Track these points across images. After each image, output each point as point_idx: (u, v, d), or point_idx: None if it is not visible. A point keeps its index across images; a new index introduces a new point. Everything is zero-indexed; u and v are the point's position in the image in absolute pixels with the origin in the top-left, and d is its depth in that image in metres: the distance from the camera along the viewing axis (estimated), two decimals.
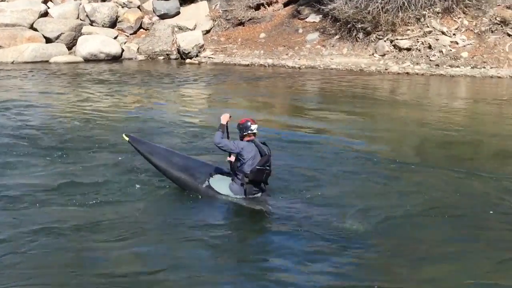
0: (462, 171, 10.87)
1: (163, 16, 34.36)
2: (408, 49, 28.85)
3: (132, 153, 10.64)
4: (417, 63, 28.03)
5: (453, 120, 16.82)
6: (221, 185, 9.03)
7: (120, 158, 11.27)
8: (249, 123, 8.70)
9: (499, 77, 25.83)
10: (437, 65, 27.53)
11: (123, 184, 9.76)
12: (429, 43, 28.54)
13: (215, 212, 8.99)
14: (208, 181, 9.09)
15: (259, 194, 8.87)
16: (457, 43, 28.45)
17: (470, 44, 28.44)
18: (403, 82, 25.42)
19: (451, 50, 28.16)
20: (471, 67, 27.07)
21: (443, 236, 7.91)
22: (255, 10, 34.67)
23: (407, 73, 27.11)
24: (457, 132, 14.95)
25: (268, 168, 8.63)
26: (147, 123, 15.42)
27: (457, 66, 27.27)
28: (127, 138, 9.67)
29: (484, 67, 26.95)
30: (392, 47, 29.51)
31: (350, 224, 8.04)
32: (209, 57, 31.81)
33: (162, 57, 32.12)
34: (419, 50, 28.65)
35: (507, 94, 22.79)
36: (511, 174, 10.80)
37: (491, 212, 8.74)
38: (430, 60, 27.94)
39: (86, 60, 30.18)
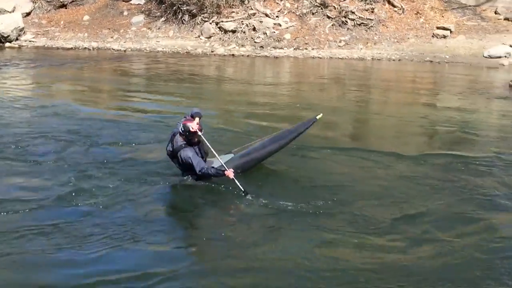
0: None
1: None
2: (233, 31, 28.81)
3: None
4: (243, 45, 28.05)
5: (279, 99, 16.97)
6: None
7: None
8: (182, 124, 8.45)
9: (320, 58, 26.43)
10: (262, 46, 27.70)
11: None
12: (253, 25, 28.65)
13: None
14: None
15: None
16: (280, 25, 28.77)
17: (293, 26, 28.88)
18: (229, 64, 25.37)
19: (274, 32, 28.43)
20: (294, 49, 27.48)
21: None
22: None
23: (233, 55, 27.04)
24: (285, 110, 15.01)
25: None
26: None
27: (281, 48, 27.58)
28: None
29: (306, 48, 27.45)
30: (218, 29, 29.35)
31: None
32: (30, 41, 29.99)
33: None
34: (244, 32, 28.67)
35: (327, 74, 23.35)
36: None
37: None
38: (255, 42, 28.06)
39: None
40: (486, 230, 7.23)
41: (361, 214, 7.70)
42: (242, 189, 8.15)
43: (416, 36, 28.81)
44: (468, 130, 12.87)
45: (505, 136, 12.43)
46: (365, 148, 11.04)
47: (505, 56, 25.53)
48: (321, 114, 9.16)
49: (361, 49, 27.46)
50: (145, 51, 28.24)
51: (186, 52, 27.72)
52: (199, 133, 8.28)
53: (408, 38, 28.64)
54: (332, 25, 28.81)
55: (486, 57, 25.84)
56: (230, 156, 8.86)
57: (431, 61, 25.60)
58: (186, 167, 8.43)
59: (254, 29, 28.57)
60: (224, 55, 27.10)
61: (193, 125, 8.21)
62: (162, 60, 25.57)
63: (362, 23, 28.78)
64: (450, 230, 7.22)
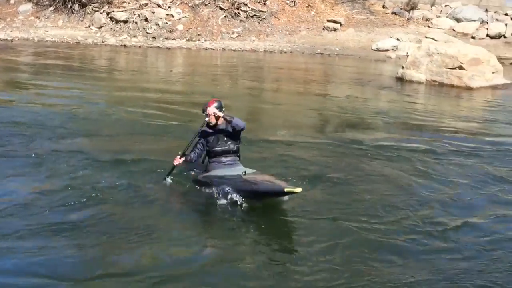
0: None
1: None
2: (125, 22, 28.08)
3: None
4: (134, 36, 27.36)
5: (172, 89, 16.50)
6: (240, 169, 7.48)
7: None
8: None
9: (213, 49, 26.11)
10: (154, 37, 27.10)
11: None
12: (145, 16, 27.99)
13: None
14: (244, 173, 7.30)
15: None
16: (172, 16, 28.26)
17: (185, 17, 28.42)
18: (121, 54, 24.61)
19: (167, 23, 27.88)
20: (187, 40, 27.04)
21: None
22: None
23: (125, 45, 26.32)
24: (178, 100, 14.56)
25: None
26: None
27: (173, 39, 27.08)
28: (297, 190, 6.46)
29: (199, 40, 27.06)
30: (109, 19, 28.53)
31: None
32: None
33: None
34: (136, 23, 27.97)
35: (221, 65, 23.05)
36: None
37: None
38: (147, 33, 27.42)
39: None
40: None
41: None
42: (166, 175, 7.75)
43: (308, 28, 28.97)
44: (358, 118, 12.94)
45: (393, 123, 12.53)
46: (259, 135, 10.83)
47: (392, 49, 26.05)
48: (299, 190, 6.47)
49: (254, 41, 27.33)
50: (33, 40, 27.10)
51: (76, 42, 26.73)
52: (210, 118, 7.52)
53: (300, 30, 28.75)
54: (225, 16, 28.54)
55: (374, 50, 26.28)
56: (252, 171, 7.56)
57: (322, 54, 25.79)
58: None
59: (146, 19, 27.92)
60: (116, 45, 26.34)
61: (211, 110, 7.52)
62: (52, 50, 24.47)
63: (255, 15, 28.66)
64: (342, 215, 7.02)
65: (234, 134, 7.60)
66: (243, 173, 7.26)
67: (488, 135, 11.54)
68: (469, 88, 17.53)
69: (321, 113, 13.87)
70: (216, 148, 7.56)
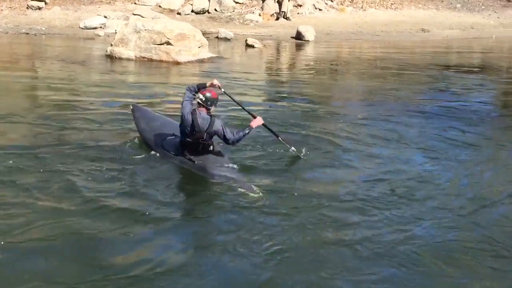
0: None
1: None
2: None
3: None
4: None
5: None
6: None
7: None
8: (200, 94, 7.64)
9: None
10: None
11: None
12: None
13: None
14: None
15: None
16: None
17: None
18: None
19: None
20: None
21: None
22: None
23: None
24: None
25: (201, 142, 7.61)
26: None
27: None
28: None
29: None
30: None
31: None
32: None
33: None
34: None
35: None
36: None
37: None
38: None
39: None
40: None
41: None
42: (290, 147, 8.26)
43: (10, 7, 27.32)
44: (70, 93, 12.69)
45: (106, 96, 12.44)
46: None
47: (101, 27, 25.54)
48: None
49: None
50: None
51: None
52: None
53: (2, 9, 26.96)
54: None
55: (82, 28, 25.51)
56: None
57: (28, 33, 24.41)
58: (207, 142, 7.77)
59: None
60: None
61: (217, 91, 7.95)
62: None
63: None
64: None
65: None
66: None
67: None
68: (177, 63, 17.87)
69: (34, 92, 13.38)
70: None
